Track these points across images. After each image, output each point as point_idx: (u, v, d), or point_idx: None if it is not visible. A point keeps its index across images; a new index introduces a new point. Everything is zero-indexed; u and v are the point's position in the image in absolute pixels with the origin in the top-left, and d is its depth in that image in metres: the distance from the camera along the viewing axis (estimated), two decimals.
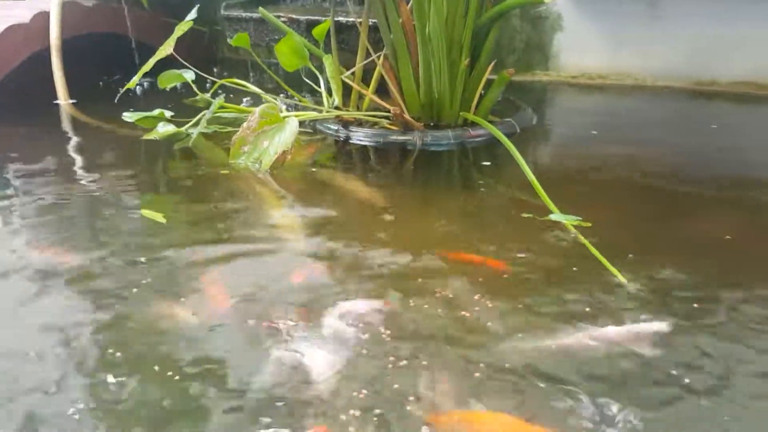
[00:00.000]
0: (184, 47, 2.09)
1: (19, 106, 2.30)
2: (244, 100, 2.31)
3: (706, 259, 1.19)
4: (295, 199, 1.55)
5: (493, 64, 2.00)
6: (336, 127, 1.99)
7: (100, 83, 2.64)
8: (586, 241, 1.18)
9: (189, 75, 2.05)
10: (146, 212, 1.39)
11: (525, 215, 1.35)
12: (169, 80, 2.06)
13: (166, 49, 1.96)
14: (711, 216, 1.41)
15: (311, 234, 1.32)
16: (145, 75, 2.05)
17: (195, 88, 2.10)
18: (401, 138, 1.90)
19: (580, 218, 1.25)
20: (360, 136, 1.94)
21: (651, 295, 1.03)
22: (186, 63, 2.05)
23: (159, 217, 1.36)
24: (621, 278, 1.07)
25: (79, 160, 1.86)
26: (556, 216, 1.28)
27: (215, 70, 2.72)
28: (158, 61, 2.03)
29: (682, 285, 1.08)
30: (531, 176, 1.44)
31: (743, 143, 1.95)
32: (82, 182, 1.65)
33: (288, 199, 1.55)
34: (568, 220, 1.25)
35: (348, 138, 1.96)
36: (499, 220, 1.44)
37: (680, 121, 2.18)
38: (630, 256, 1.17)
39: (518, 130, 1.99)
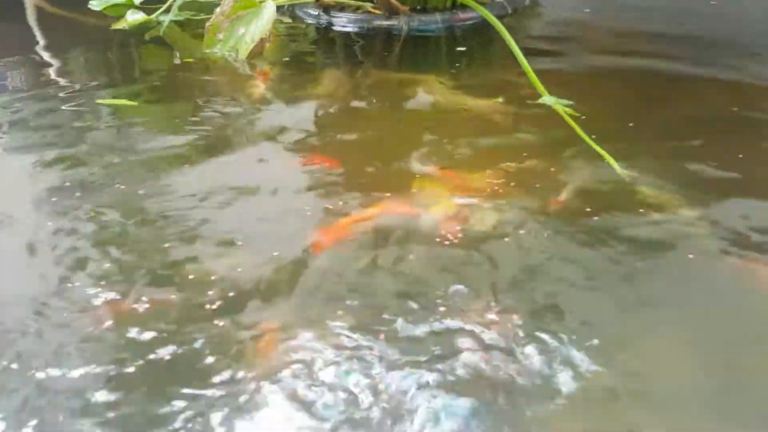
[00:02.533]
0: None
1: None
2: None
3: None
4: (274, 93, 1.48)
5: None
6: (316, 13, 1.88)
7: None
8: (577, 127, 1.13)
9: None
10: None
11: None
12: None
13: None
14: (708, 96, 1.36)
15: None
16: None
17: None
18: (386, 23, 1.80)
19: (572, 102, 1.20)
20: (342, 22, 1.84)
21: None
22: None
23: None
24: (616, 166, 1.03)
25: (44, 54, 1.75)
26: (546, 99, 1.23)
27: None
28: None
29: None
30: (521, 58, 1.36)
31: (745, 24, 1.86)
32: (50, 79, 1.56)
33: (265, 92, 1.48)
34: (558, 104, 1.20)
35: (330, 24, 1.85)
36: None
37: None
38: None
39: (510, 11, 1.89)
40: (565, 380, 0.65)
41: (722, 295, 0.80)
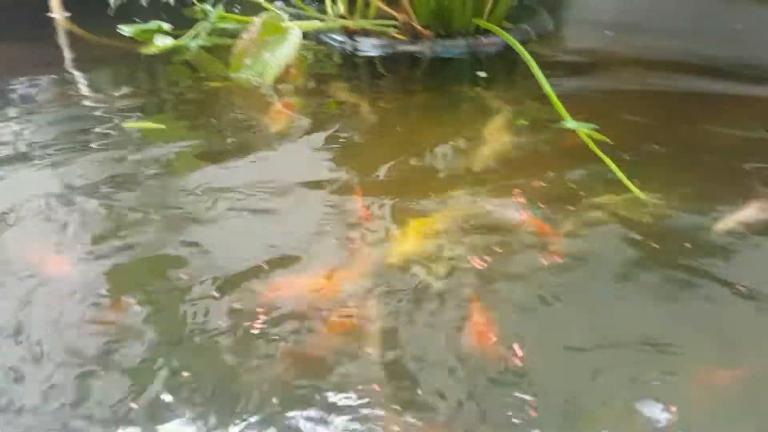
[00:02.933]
0: None
1: (11, 20, 2.22)
2: (238, 7, 2.19)
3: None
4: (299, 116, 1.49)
5: None
6: (341, 38, 1.90)
7: None
8: (599, 152, 1.13)
9: None
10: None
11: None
12: None
13: None
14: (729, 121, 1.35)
15: None
16: None
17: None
18: (410, 48, 1.82)
19: (596, 126, 1.20)
20: (366, 47, 1.86)
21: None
22: None
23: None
24: (638, 193, 1.02)
25: (75, 77, 1.79)
26: (569, 124, 1.23)
27: None
28: None
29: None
30: (544, 82, 1.37)
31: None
32: (81, 103, 1.59)
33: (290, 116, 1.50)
34: (581, 128, 1.20)
35: (354, 49, 1.87)
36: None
37: (704, 22, 2.05)
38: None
39: (534, 36, 1.89)
40: None
41: None
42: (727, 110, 1.39)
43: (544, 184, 1.11)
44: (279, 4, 2.16)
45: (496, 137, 1.30)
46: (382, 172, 1.17)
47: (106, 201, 1.09)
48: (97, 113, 1.48)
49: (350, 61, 1.84)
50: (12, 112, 1.49)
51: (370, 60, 1.82)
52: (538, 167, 1.18)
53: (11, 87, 1.65)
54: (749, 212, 0.96)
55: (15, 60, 1.95)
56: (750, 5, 2.16)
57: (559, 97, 1.30)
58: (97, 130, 1.38)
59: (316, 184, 1.14)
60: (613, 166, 1.08)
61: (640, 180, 1.06)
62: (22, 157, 1.26)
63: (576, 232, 0.96)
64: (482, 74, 1.68)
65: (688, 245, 0.92)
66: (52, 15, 2.27)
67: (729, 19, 2.04)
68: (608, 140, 1.17)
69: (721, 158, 1.18)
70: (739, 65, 1.67)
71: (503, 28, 1.83)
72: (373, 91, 1.63)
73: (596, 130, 1.21)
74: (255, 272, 0.90)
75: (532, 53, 1.50)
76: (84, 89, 1.68)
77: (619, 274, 0.88)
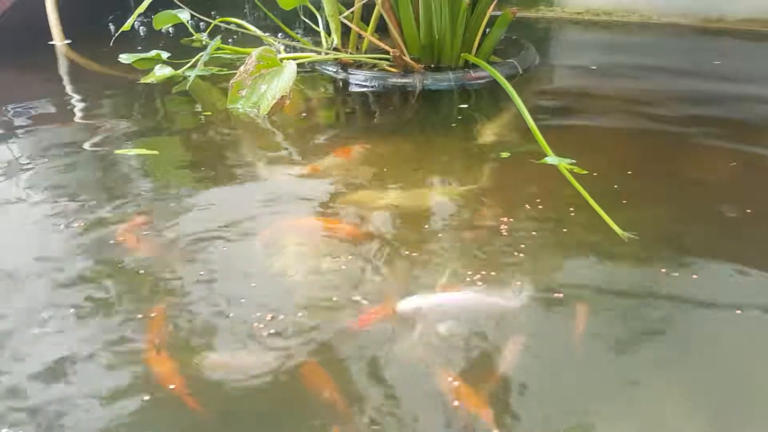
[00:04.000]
0: None
1: (13, 48, 2.27)
2: (231, 39, 2.26)
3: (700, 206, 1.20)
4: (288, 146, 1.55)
5: (495, 2, 1.94)
6: (335, 69, 1.97)
7: (99, 23, 2.59)
8: (580, 187, 1.18)
9: (184, 15, 2.01)
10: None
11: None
12: (163, 21, 2.03)
13: None
14: (708, 160, 1.41)
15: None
16: (144, 14, 2.01)
17: (191, 29, 2.07)
18: (401, 81, 1.88)
19: (575, 161, 1.26)
20: (359, 79, 1.92)
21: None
22: (180, 3, 2.01)
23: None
24: (615, 228, 1.07)
25: (74, 105, 1.84)
26: (551, 159, 1.29)
27: (207, 10, 2.66)
28: (158, 0, 1.98)
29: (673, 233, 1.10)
30: (529, 120, 1.43)
31: (747, 81, 1.92)
32: (78, 129, 1.64)
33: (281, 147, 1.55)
34: (563, 164, 1.26)
35: (347, 80, 1.94)
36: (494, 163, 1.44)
37: (685, 59, 2.13)
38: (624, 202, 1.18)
39: (520, 71, 1.96)
40: None
41: None
42: (705, 151, 1.45)
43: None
44: (280, 36, 2.24)
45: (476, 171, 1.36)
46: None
47: None
48: (92, 138, 1.53)
49: (343, 92, 1.90)
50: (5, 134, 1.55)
51: (362, 92, 1.88)
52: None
53: (8, 111, 1.71)
54: None
55: (14, 85, 2.00)
56: (732, 41, 2.25)
57: (542, 129, 1.36)
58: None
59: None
60: (592, 203, 1.13)
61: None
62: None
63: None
64: (464, 106, 1.74)
65: None
66: (53, 42, 2.34)
67: (711, 54, 2.13)
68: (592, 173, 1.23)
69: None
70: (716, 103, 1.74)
71: (491, 63, 1.90)
72: (362, 126, 1.69)
73: (577, 164, 1.27)
74: None
75: (518, 87, 1.57)
76: (81, 115, 1.73)
77: None
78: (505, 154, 1.40)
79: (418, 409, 0.77)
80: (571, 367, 0.82)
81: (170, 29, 2.36)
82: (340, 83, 1.93)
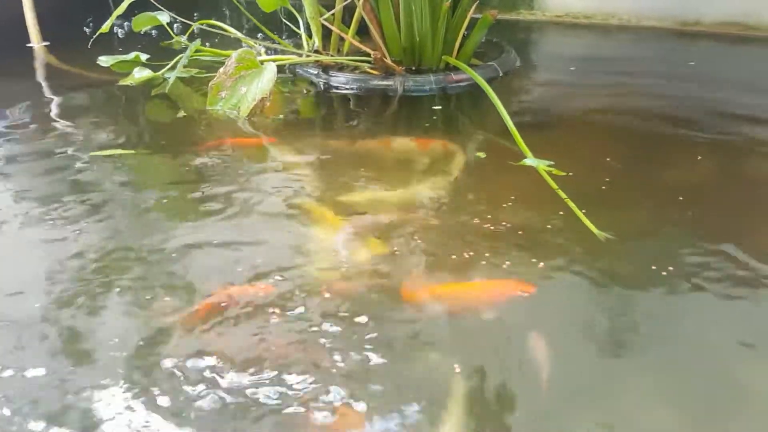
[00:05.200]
0: None
1: None
2: (212, 41, 2.24)
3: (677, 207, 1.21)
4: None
5: (476, 4, 1.95)
6: (316, 72, 1.96)
7: (77, 25, 2.56)
8: (556, 186, 1.19)
9: (163, 17, 2.00)
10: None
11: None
12: (143, 23, 2.01)
13: None
14: (686, 160, 1.42)
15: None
16: (123, 16, 1.99)
17: (170, 31, 2.06)
18: (382, 83, 1.88)
19: (553, 162, 1.27)
20: (340, 82, 1.92)
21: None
22: (159, 5, 1.99)
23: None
24: (593, 228, 1.08)
25: (52, 108, 1.82)
26: (530, 161, 1.30)
27: (188, 12, 2.64)
28: (138, 2, 1.96)
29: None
30: (509, 122, 1.44)
31: (722, 83, 1.94)
32: (56, 133, 1.62)
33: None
34: (541, 165, 1.27)
35: (328, 83, 1.93)
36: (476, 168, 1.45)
37: (661, 62, 2.15)
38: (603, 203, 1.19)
39: (501, 74, 1.97)
40: None
41: None
42: (682, 151, 1.47)
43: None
44: (258, 37, 2.23)
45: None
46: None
47: None
48: (70, 140, 1.51)
49: (324, 94, 1.90)
50: None
51: (344, 94, 1.88)
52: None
53: None
54: None
55: None
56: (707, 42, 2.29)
57: (523, 131, 1.37)
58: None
59: None
60: (572, 206, 1.14)
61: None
62: None
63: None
64: (437, 107, 1.74)
65: None
66: (31, 45, 2.31)
67: (687, 56, 2.16)
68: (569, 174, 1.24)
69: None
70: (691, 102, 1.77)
71: (472, 65, 1.91)
72: (341, 127, 1.68)
73: (555, 166, 1.28)
74: None
75: (498, 89, 1.58)
76: (59, 118, 1.71)
77: None
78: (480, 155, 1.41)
79: None
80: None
81: (154, 31, 2.33)
82: (321, 86, 1.93)
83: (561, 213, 1.14)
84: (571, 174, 1.26)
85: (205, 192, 1.26)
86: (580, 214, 1.11)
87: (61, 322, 0.90)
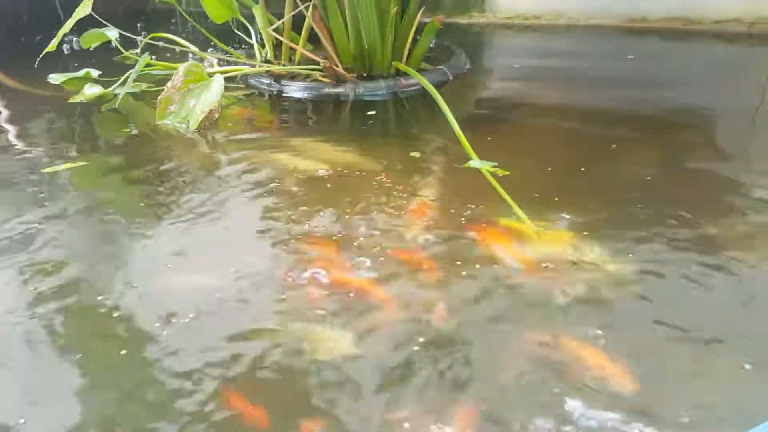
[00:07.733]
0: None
1: None
2: (167, 55, 2.24)
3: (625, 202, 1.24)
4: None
5: (422, 10, 1.98)
6: (268, 81, 1.97)
7: (26, 42, 2.54)
8: (501, 189, 1.22)
9: (112, 33, 1.99)
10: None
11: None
12: (91, 40, 2.00)
13: (84, 9, 1.88)
14: (631, 157, 1.46)
15: None
16: (72, 33, 1.98)
17: (119, 47, 2.05)
18: (334, 90, 1.90)
19: (497, 164, 1.30)
20: (292, 90, 1.93)
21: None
22: (108, 21, 1.99)
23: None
24: (528, 222, 1.11)
25: (2, 126, 1.80)
26: (474, 162, 1.32)
27: (139, 25, 2.63)
28: (88, 17, 1.94)
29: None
30: (455, 126, 1.47)
31: (664, 78, 1.99)
32: (6, 152, 1.61)
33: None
34: (485, 167, 1.29)
35: (281, 92, 1.94)
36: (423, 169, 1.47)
37: (607, 60, 2.20)
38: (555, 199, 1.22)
39: (450, 77, 2.00)
40: None
41: None
42: (630, 150, 1.50)
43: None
44: (211, 50, 2.23)
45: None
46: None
47: None
48: (22, 159, 1.50)
49: (277, 103, 1.91)
50: None
51: (295, 101, 1.89)
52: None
53: None
54: None
55: None
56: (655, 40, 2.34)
57: (472, 133, 1.40)
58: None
59: None
60: (508, 199, 1.16)
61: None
62: None
63: None
64: (371, 113, 1.76)
65: None
66: None
67: (631, 53, 2.21)
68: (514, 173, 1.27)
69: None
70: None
71: (422, 70, 1.94)
72: (292, 133, 1.70)
73: (502, 167, 1.30)
74: None
75: (447, 93, 1.61)
76: (10, 137, 1.70)
77: None
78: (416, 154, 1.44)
79: None
80: None
81: (114, 44, 2.32)
82: (274, 95, 1.94)
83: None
84: (516, 173, 1.29)
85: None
86: (517, 207, 1.14)
87: None
